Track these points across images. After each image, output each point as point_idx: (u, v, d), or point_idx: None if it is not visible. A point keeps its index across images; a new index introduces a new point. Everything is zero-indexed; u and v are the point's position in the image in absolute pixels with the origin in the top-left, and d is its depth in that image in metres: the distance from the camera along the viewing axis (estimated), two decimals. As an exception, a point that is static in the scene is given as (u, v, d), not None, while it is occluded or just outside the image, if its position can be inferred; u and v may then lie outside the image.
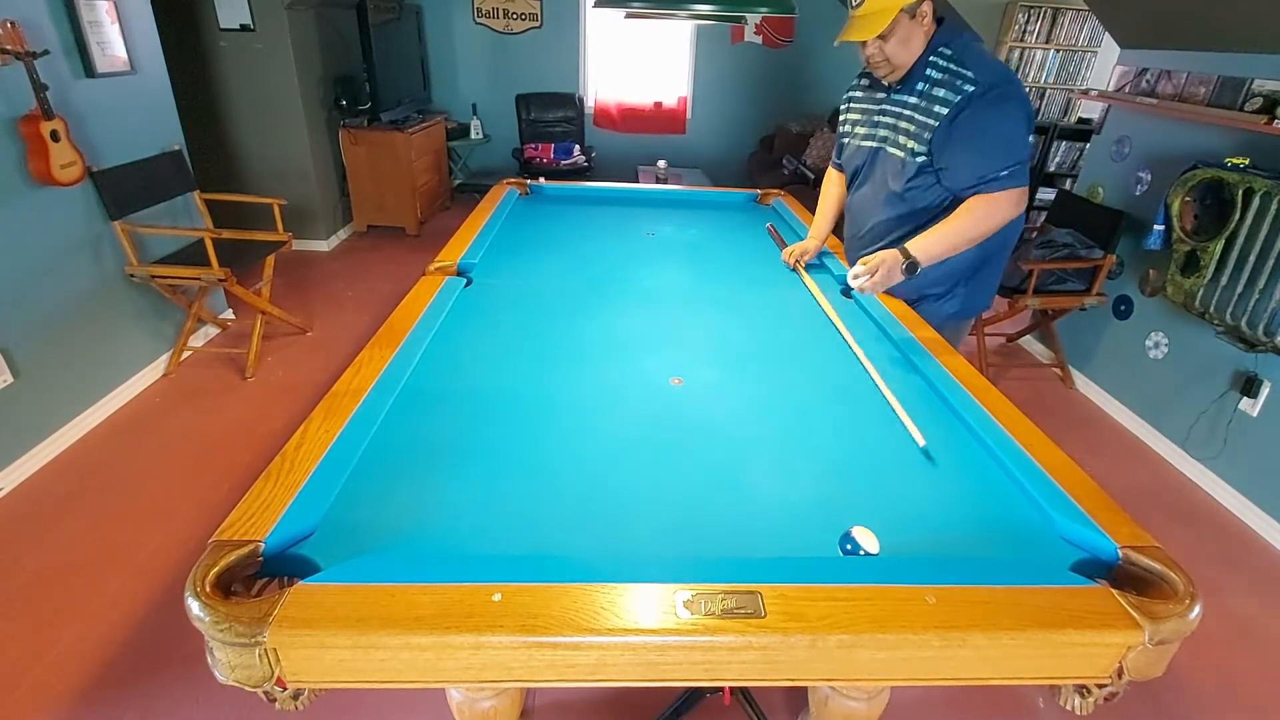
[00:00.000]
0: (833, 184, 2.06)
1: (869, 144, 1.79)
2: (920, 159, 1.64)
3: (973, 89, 1.53)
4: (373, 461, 1.07)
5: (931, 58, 1.60)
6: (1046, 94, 4.18)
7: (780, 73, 5.81)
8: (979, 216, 1.58)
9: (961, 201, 1.62)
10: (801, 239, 2.35)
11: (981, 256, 1.73)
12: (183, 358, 3.07)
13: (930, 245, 1.59)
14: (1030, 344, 3.77)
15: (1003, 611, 0.80)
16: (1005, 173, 1.54)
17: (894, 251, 1.59)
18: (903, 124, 1.67)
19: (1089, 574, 0.89)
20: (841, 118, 1.90)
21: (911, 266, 1.58)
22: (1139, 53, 3.09)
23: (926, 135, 1.61)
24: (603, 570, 0.83)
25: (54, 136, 2.31)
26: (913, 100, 1.64)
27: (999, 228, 1.61)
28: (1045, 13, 3.94)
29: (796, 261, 2.03)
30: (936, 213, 1.69)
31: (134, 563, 1.99)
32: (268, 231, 3.07)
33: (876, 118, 1.76)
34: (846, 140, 1.88)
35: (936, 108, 1.58)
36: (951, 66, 1.57)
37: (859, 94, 1.84)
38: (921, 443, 1.19)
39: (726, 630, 0.76)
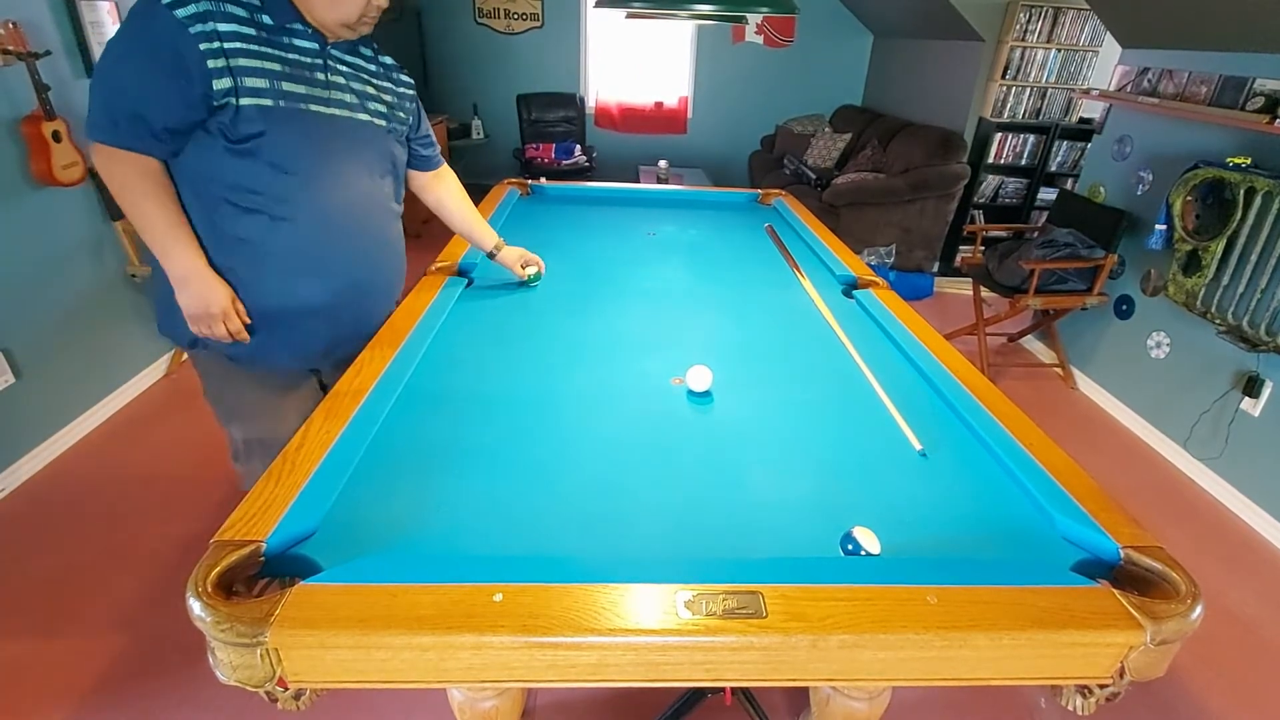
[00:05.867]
0: (150, 177, 1.22)
1: (332, 110, 1.31)
2: (406, 131, 1.51)
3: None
4: (374, 462, 1.07)
5: None
6: (1048, 93, 4.18)
7: (781, 72, 5.81)
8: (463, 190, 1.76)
9: (431, 173, 1.67)
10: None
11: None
12: (184, 358, 3.07)
13: (485, 233, 1.79)
14: (1031, 343, 3.77)
15: (1004, 612, 0.80)
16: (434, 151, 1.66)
17: (518, 250, 1.81)
18: (371, 89, 1.39)
19: (1090, 574, 0.89)
20: (216, 62, 1.15)
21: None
22: (1140, 52, 3.09)
23: (408, 105, 1.50)
24: (604, 570, 0.83)
25: (55, 137, 2.31)
26: (372, 67, 1.41)
27: None
28: (1046, 12, 3.93)
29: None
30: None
31: (135, 563, 1.99)
32: (269, 232, 3.07)
33: (320, 75, 1.29)
34: (263, 101, 1.21)
35: (399, 75, 1.49)
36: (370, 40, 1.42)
37: (242, 30, 1.18)
38: (919, 447, 1.19)
39: (728, 630, 0.76)
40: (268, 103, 1.21)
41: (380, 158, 1.42)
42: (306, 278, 1.35)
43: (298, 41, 1.26)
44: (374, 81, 1.40)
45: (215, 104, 1.17)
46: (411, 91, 1.51)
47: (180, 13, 1.13)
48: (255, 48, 1.20)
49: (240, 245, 1.29)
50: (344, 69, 1.33)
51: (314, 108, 1.27)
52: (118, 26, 1.32)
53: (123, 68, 1.16)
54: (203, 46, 1.14)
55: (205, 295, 1.27)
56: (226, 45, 1.16)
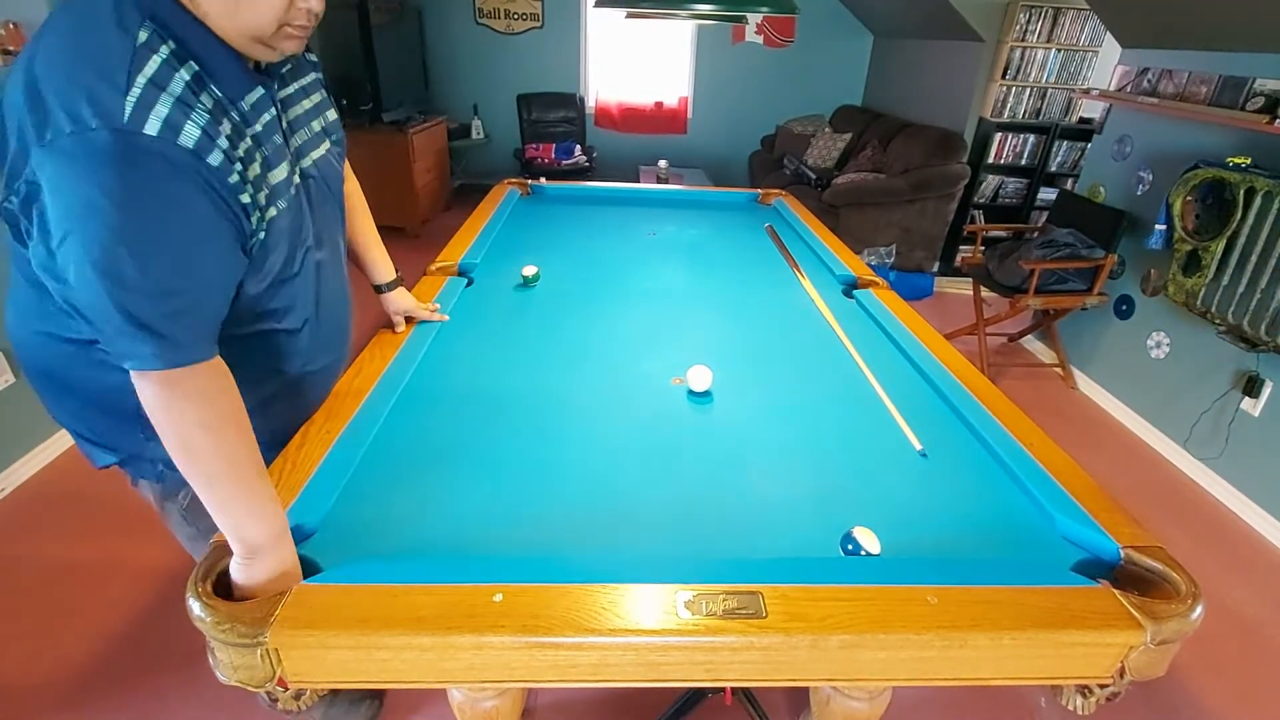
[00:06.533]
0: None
1: (298, 171, 1.00)
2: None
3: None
4: (374, 462, 1.07)
5: None
6: (1048, 93, 4.18)
7: (781, 72, 5.81)
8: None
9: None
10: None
11: None
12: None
13: (384, 259, 1.43)
14: (1031, 343, 3.76)
15: (1004, 612, 0.80)
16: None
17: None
18: (308, 102, 1.06)
19: (1091, 574, 0.89)
20: (246, 195, 0.84)
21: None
22: (1140, 52, 3.09)
23: (329, 98, 1.15)
24: (604, 571, 0.83)
25: (55, 137, 2.31)
26: (313, 77, 1.09)
27: None
28: (1046, 12, 3.93)
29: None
30: None
31: (136, 563, 1.99)
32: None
33: (280, 133, 0.95)
34: (271, 213, 0.90)
35: (309, 57, 1.10)
36: None
37: (233, 129, 0.82)
38: (919, 447, 1.19)
39: (728, 630, 0.76)
40: (273, 213, 0.91)
41: (339, 188, 1.18)
42: (328, 371, 1.21)
43: (245, 103, 0.87)
44: (307, 85, 1.06)
45: (250, 245, 0.88)
46: (323, 77, 1.13)
47: (185, 141, 0.75)
48: (248, 148, 0.85)
49: (272, 376, 1.06)
50: (289, 99, 1.00)
51: (296, 182, 0.98)
52: (78, 184, 0.71)
53: (157, 253, 0.75)
54: (232, 180, 0.81)
55: (284, 561, 0.82)
56: (241, 155, 0.83)
